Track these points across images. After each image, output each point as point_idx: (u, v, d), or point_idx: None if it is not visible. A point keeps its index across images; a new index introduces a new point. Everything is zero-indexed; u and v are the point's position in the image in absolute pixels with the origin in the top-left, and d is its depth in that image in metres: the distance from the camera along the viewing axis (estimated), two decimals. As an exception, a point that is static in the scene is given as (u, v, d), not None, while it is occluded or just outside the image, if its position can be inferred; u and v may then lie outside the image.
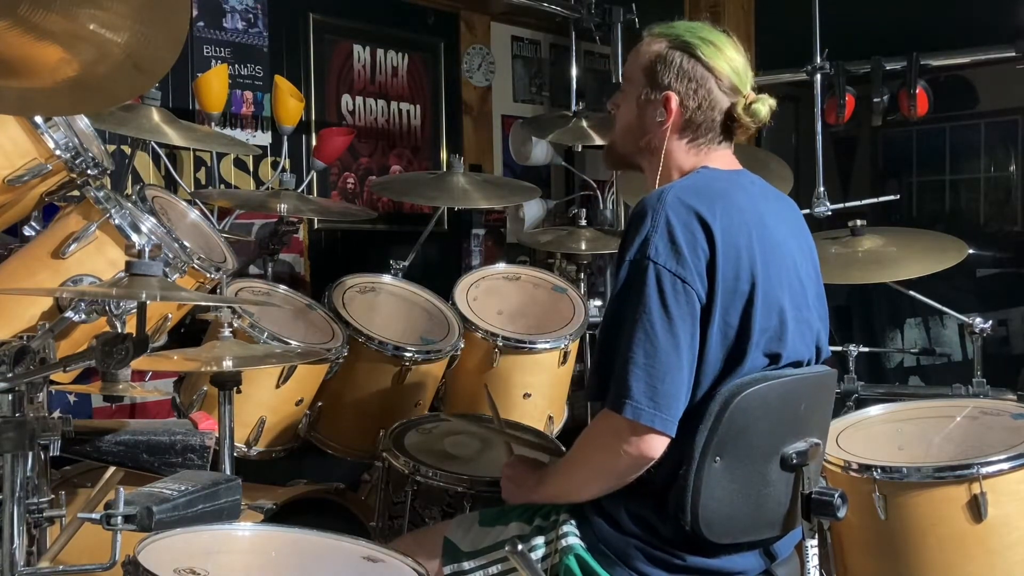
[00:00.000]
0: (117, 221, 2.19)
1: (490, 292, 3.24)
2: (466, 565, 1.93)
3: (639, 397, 1.73)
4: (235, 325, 2.38)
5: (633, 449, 1.76)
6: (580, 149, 4.50)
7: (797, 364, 1.89)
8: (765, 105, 1.92)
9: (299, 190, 3.44)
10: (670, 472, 1.80)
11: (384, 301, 3.12)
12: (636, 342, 1.74)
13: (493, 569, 1.91)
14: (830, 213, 3.56)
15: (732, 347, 1.79)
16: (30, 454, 1.67)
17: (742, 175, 1.97)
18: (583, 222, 3.84)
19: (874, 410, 2.69)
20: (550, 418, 3.17)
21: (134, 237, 2.18)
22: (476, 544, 1.95)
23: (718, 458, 1.77)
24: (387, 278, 3.20)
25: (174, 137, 2.98)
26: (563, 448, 2.59)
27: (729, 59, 1.91)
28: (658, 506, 1.81)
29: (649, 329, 1.74)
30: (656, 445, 1.76)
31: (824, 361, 2.02)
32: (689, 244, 1.75)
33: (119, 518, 1.53)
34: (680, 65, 1.90)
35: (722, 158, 1.96)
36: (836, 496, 1.85)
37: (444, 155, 4.65)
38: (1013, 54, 3.71)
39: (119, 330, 2.07)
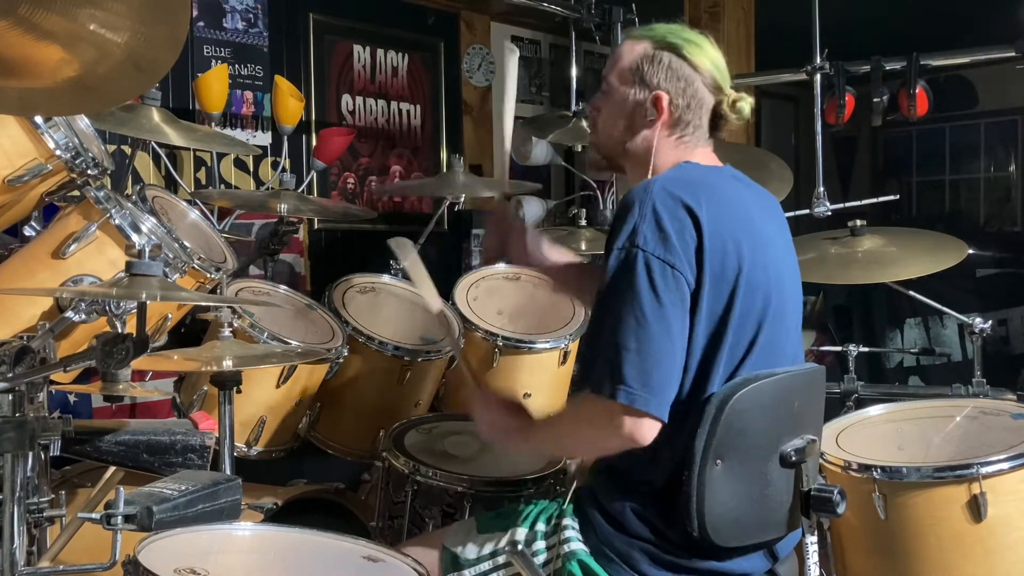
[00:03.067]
0: (117, 221, 2.19)
1: (490, 292, 3.24)
2: (466, 573, 1.93)
3: (633, 383, 1.73)
4: (235, 325, 2.38)
5: (626, 434, 1.75)
6: (580, 149, 4.50)
7: (780, 354, 1.90)
8: (747, 103, 1.96)
9: (299, 190, 3.44)
10: (670, 473, 1.79)
11: (384, 301, 3.12)
12: (628, 329, 1.74)
13: (494, 575, 1.91)
14: (830, 213, 3.56)
15: (716, 334, 1.80)
16: (30, 454, 1.67)
17: (725, 170, 1.99)
18: (583, 222, 3.84)
19: (874, 410, 2.69)
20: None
21: (134, 237, 2.18)
22: (475, 550, 1.94)
23: (719, 461, 1.77)
24: (387, 278, 3.20)
25: (174, 137, 2.98)
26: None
27: (712, 58, 1.95)
28: (663, 509, 1.81)
29: (640, 316, 1.74)
30: (649, 429, 1.75)
31: (825, 361, 2.03)
32: (677, 232, 1.76)
33: (119, 518, 1.53)
34: (668, 64, 1.93)
35: (704, 155, 1.98)
36: (835, 492, 1.86)
37: (444, 155, 4.66)
38: (1013, 54, 3.70)
39: (119, 330, 2.07)
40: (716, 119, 1.96)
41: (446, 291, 3.17)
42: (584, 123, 3.97)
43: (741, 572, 1.86)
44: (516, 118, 4.77)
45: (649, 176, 1.95)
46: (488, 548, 1.94)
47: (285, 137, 3.73)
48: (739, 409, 1.77)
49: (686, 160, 1.95)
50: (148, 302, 1.69)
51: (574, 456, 1.92)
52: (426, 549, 1.99)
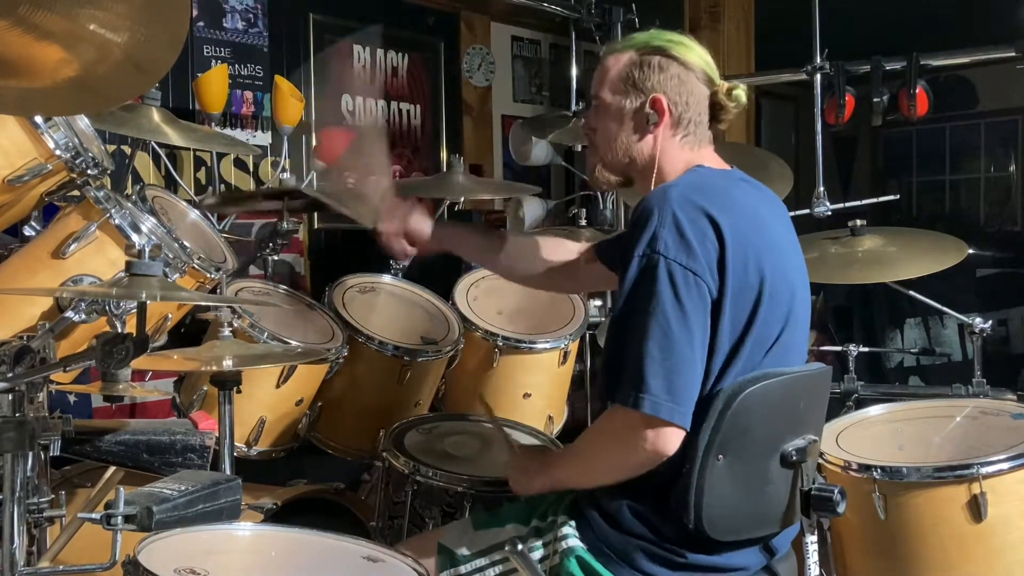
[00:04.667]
0: (117, 221, 2.19)
1: (490, 292, 3.24)
2: (463, 570, 1.93)
3: (658, 391, 1.72)
4: (235, 325, 2.38)
5: (650, 444, 1.75)
6: (580, 149, 4.50)
7: (792, 355, 1.90)
8: (743, 91, 1.96)
9: (299, 190, 3.43)
10: (672, 470, 1.79)
11: (384, 301, 3.12)
12: (651, 337, 1.74)
13: (491, 572, 1.91)
14: (830, 213, 3.56)
15: (740, 341, 1.80)
16: (30, 454, 1.67)
17: (734, 173, 1.99)
18: (583, 222, 3.84)
19: (874, 410, 2.69)
20: (550, 418, 3.17)
21: (134, 237, 2.18)
22: (472, 548, 1.94)
23: (721, 456, 1.77)
24: (387, 278, 3.21)
25: (174, 137, 2.98)
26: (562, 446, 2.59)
27: (699, 54, 1.95)
28: (660, 504, 1.81)
29: (664, 323, 1.73)
30: (674, 439, 1.75)
31: (825, 361, 2.03)
32: (698, 239, 1.76)
33: (119, 518, 1.53)
34: (659, 66, 1.92)
35: (710, 156, 1.98)
36: (836, 492, 1.86)
37: (444, 155, 4.66)
38: (1013, 54, 3.70)
39: (119, 330, 2.07)
40: (715, 111, 1.96)
41: (447, 291, 3.18)
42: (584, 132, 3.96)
43: (737, 566, 1.86)
44: (516, 118, 4.81)
45: (654, 180, 1.95)
46: (484, 546, 1.94)
47: (285, 137, 3.73)
48: (746, 406, 1.77)
49: (697, 164, 1.94)
50: (148, 302, 1.69)
51: (599, 482, 1.87)
52: (423, 548, 1.99)
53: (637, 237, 1.79)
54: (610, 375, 1.83)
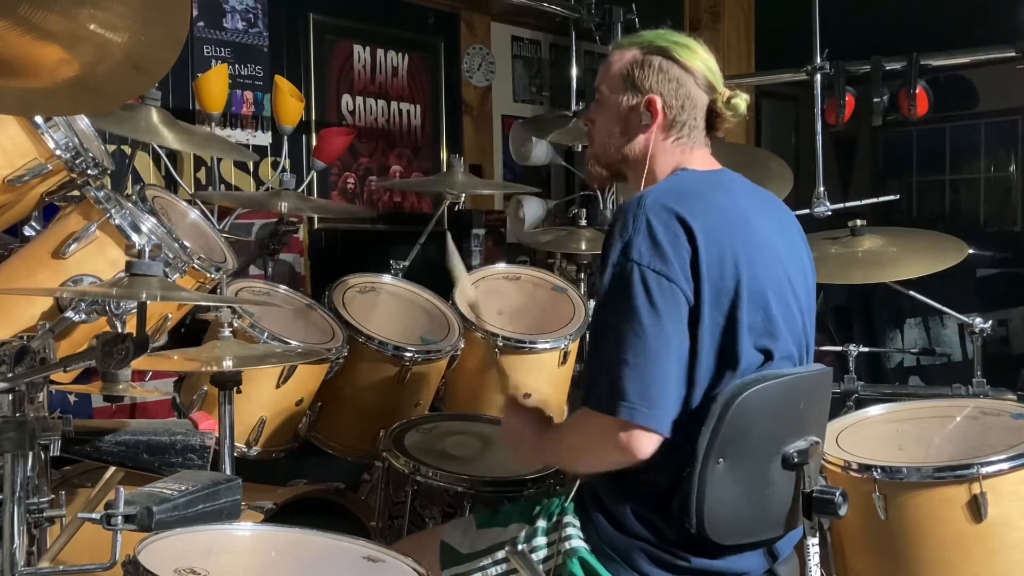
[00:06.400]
0: (117, 221, 2.19)
1: (490, 292, 3.24)
2: (465, 568, 1.93)
3: (633, 398, 1.73)
4: (235, 325, 2.39)
5: (626, 450, 1.75)
6: (580, 149, 4.50)
7: (789, 360, 1.89)
8: (743, 100, 1.97)
9: (299, 190, 3.44)
10: (674, 474, 1.79)
11: (384, 301, 3.12)
12: (626, 343, 1.74)
13: (493, 570, 1.91)
14: (830, 213, 3.56)
15: (723, 345, 1.79)
16: (30, 454, 1.67)
17: (722, 174, 1.98)
18: (583, 222, 3.84)
19: (874, 410, 2.68)
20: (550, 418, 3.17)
21: (134, 237, 2.18)
22: (475, 546, 1.95)
23: (721, 459, 1.77)
24: (387, 278, 3.21)
25: (170, 140, 2.96)
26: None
27: (703, 59, 1.95)
28: (662, 508, 1.81)
29: (638, 329, 1.74)
30: (650, 445, 1.75)
31: (825, 361, 2.03)
32: (672, 244, 1.76)
33: (119, 518, 1.53)
34: (659, 67, 1.92)
35: (702, 158, 1.98)
36: (837, 494, 1.85)
37: (444, 155, 4.66)
38: (1013, 54, 3.70)
39: (119, 330, 2.07)
40: (712, 118, 1.97)
41: (447, 291, 3.18)
42: (583, 123, 3.97)
43: (739, 570, 1.86)
44: (516, 118, 4.82)
45: (644, 179, 1.96)
46: (487, 545, 1.94)
47: (285, 137, 3.74)
48: (744, 408, 1.77)
49: (682, 167, 1.94)
50: (148, 302, 1.69)
51: (580, 471, 1.96)
52: (424, 544, 1.99)
53: (612, 244, 1.80)
54: (588, 381, 1.84)
